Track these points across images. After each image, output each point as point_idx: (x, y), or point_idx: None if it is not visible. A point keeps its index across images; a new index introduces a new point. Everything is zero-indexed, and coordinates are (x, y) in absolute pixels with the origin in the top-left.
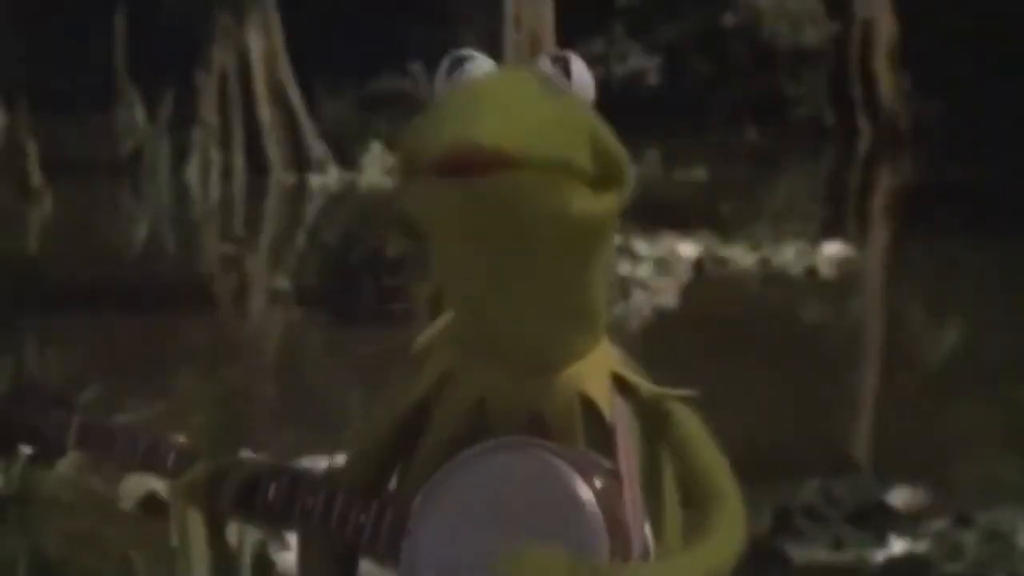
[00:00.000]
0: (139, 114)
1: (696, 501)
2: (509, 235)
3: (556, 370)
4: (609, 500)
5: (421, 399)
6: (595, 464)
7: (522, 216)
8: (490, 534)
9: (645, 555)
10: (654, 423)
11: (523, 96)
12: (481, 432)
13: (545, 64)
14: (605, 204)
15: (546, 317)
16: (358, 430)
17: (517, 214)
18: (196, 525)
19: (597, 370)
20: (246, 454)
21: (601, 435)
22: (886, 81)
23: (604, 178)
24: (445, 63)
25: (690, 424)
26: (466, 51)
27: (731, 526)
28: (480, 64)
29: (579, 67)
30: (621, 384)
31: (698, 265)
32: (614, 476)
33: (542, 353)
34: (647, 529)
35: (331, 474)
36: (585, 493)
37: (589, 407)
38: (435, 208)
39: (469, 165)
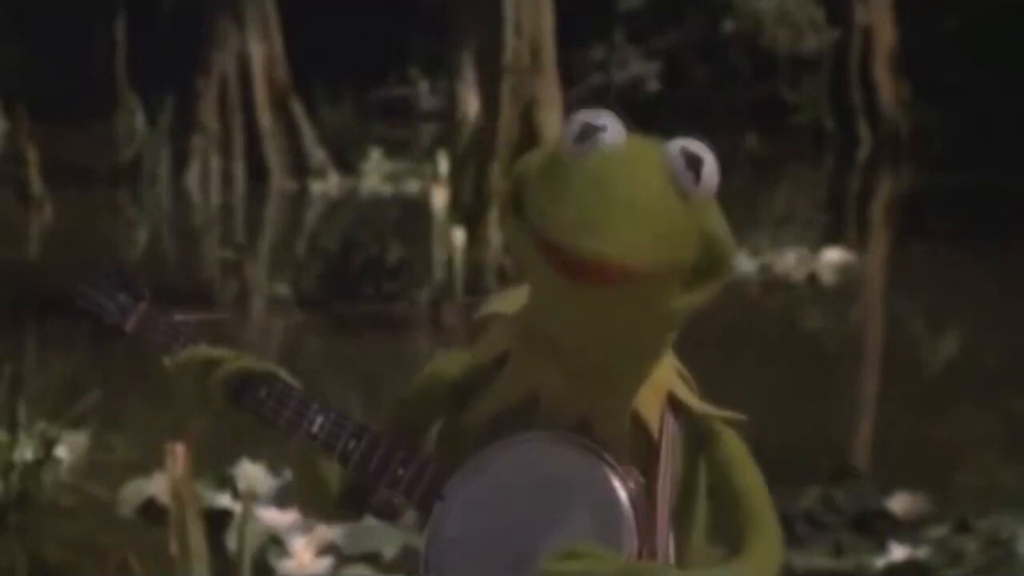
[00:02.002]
0: (139, 121)
1: (734, 522)
2: (611, 321)
3: (616, 384)
4: (641, 507)
5: (475, 371)
6: (632, 473)
7: (629, 314)
8: (521, 516)
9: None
10: (700, 441)
11: (650, 203)
12: (529, 420)
13: (675, 155)
14: (703, 295)
15: (619, 356)
16: (411, 382)
17: (625, 312)
18: (196, 532)
19: (653, 390)
20: (246, 461)
21: (645, 453)
22: (886, 88)
23: (708, 270)
24: (575, 128)
25: (734, 446)
26: (599, 118)
27: (770, 551)
28: (612, 133)
29: (709, 170)
30: (674, 402)
31: None
32: (647, 489)
33: (606, 371)
34: (671, 542)
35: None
36: (623, 496)
37: (638, 424)
38: (549, 293)
39: (593, 272)
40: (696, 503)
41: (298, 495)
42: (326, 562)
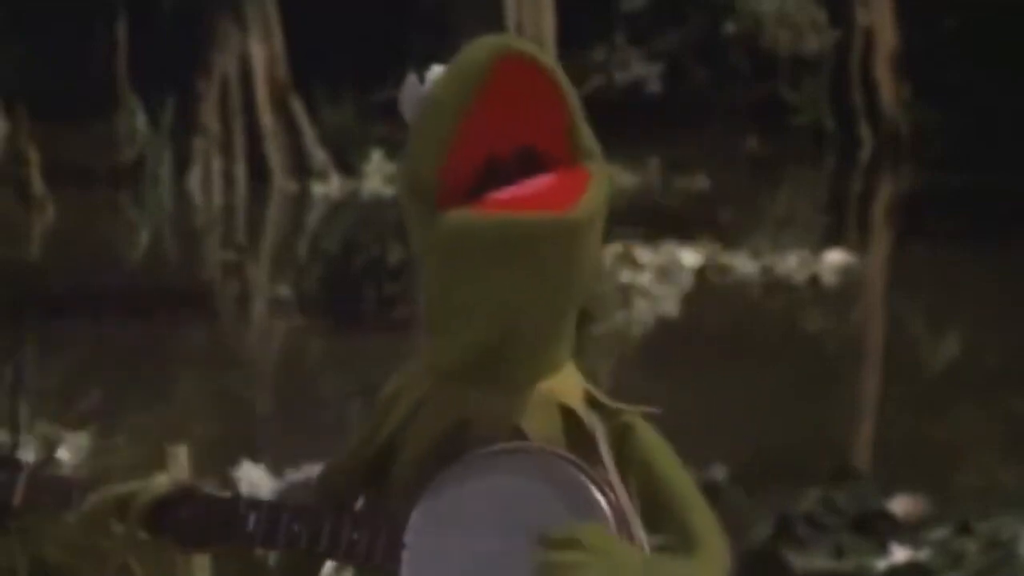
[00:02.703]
0: (141, 122)
1: (664, 512)
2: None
3: (537, 384)
4: (618, 506)
5: (394, 430)
6: (603, 477)
7: (549, 257)
8: (498, 539)
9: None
10: (618, 437)
11: None
12: (461, 449)
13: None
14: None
15: (547, 338)
16: (328, 465)
17: (546, 256)
18: None
19: (571, 383)
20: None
21: (582, 445)
22: (887, 89)
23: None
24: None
25: (651, 437)
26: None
27: (716, 532)
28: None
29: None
30: (590, 399)
31: (700, 273)
32: (612, 487)
33: (529, 370)
34: (643, 536)
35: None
36: (600, 499)
37: (568, 418)
38: (464, 262)
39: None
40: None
41: None
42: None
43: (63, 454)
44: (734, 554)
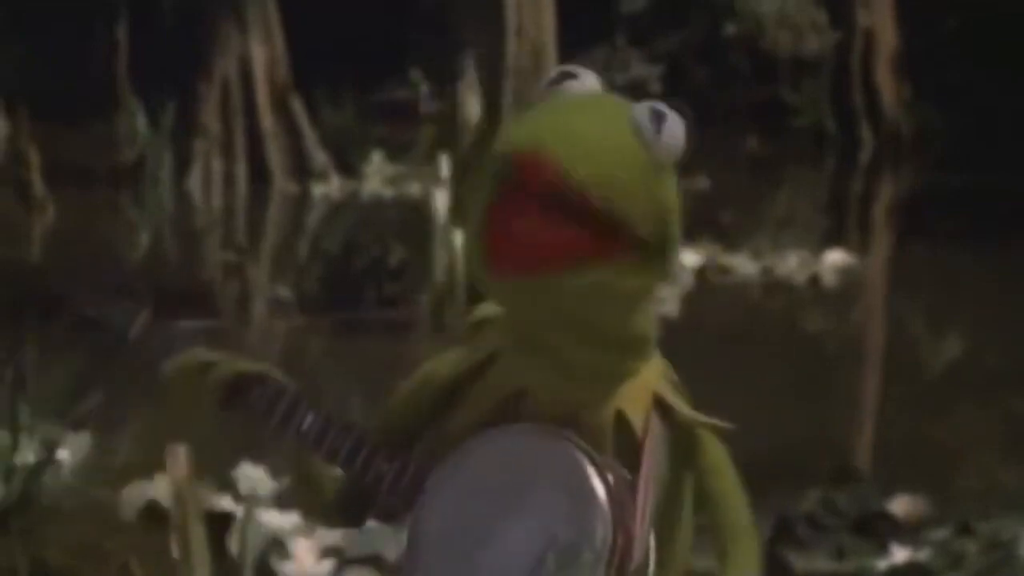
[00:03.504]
0: (141, 123)
1: (714, 528)
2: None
3: (602, 384)
4: (619, 500)
5: (465, 372)
6: (612, 466)
7: (583, 295)
8: (496, 508)
9: (644, 565)
10: (684, 447)
11: (602, 130)
12: (515, 419)
13: (641, 108)
14: (654, 277)
15: (599, 351)
16: (398, 390)
17: (579, 293)
18: (197, 535)
19: (639, 390)
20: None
21: (630, 451)
22: (888, 90)
23: (657, 248)
24: (551, 75)
25: (716, 453)
26: (575, 69)
27: (746, 559)
28: (583, 82)
29: (673, 123)
30: (660, 405)
31: (700, 273)
32: (630, 485)
33: (592, 372)
34: (651, 541)
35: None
36: (598, 486)
37: (623, 423)
38: (505, 295)
39: (530, 172)
40: (680, 509)
41: (297, 496)
42: (328, 565)
43: (63, 454)
44: None
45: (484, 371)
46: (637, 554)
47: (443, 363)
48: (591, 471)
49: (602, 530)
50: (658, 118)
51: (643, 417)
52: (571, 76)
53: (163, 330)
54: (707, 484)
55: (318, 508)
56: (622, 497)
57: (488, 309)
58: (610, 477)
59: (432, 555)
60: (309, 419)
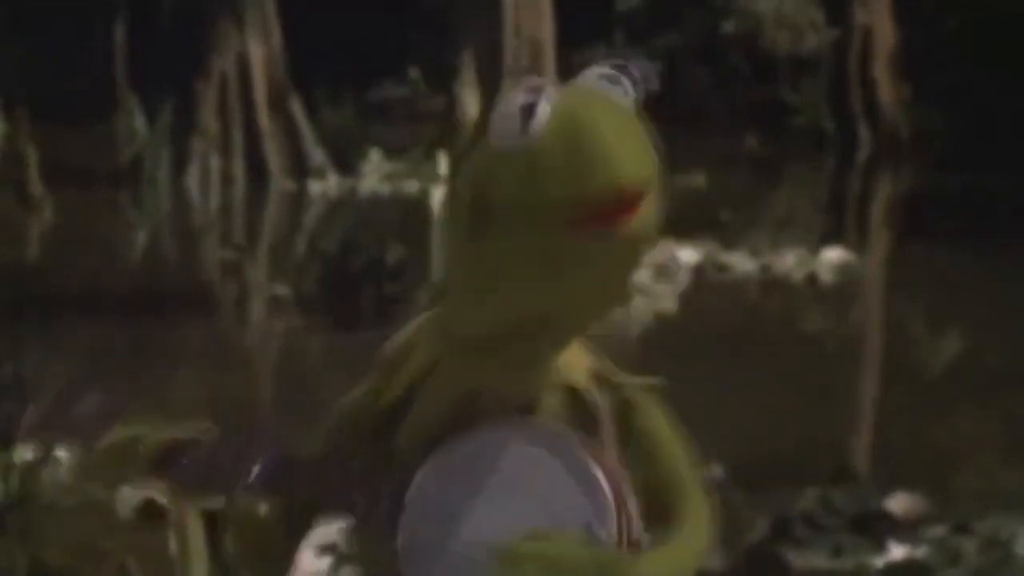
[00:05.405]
0: (139, 122)
1: (659, 490)
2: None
3: (548, 362)
4: (616, 482)
5: (407, 387)
6: (600, 456)
7: (634, 260)
8: (502, 507)
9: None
10: (621, 412)
11: (636, 123)
12: (469, 418)
13: (612, 74)
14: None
15: (582, 330)
16: (333, 413)
17: (633, 259)
18: (195, 532)
19: (578, 359)
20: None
21: (587, 422)
22: (886, 89)
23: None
24: (511, 121)
25: (654, 412)
26: (520, 102)
27: (703, 512)
28: (542, 106)
29: (636, 71)
30: (596, 375)
31: (698, 271)
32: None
33: (550, 353)
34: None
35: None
36: (599, 472)
37: (574, 395)
38: (565, 264)
39: (632, 203)
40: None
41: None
42: (325, 561)
43: (61, 453)
44: (733, 554)
45: (424, 381)
46: (636, 526)
47: (380, 377)
48: (589, 459)
49: (609, 517)
50: (621, 74)
51: (589, 387)
52: (531, 108)
53: (62, 418)
54: (647, 444)
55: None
56: (617, 479)
57: (405, 333)
58: (606, 463)
59: (434, 566)
60: (257, 468)
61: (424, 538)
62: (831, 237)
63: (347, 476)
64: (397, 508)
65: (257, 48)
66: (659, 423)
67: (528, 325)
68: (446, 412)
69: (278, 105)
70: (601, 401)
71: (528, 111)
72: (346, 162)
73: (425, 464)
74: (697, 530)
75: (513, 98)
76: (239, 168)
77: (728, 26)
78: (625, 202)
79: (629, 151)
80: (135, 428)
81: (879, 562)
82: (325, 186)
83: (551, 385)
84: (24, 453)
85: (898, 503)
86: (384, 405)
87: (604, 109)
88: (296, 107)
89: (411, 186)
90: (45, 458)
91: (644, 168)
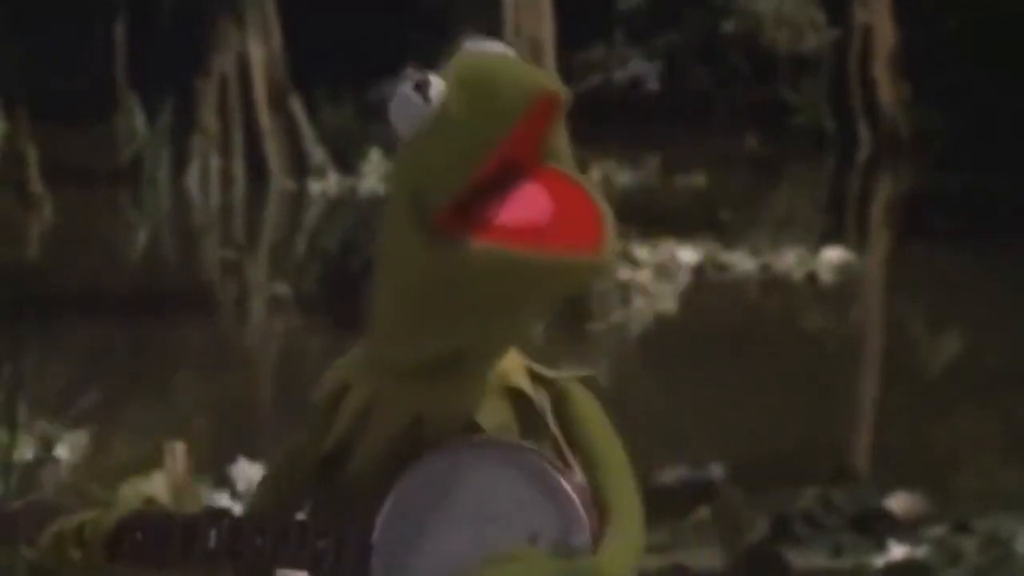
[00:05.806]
0: (139, 121)
1: (593, 478)
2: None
3: (487, 376)
4: (578, 485)
5: (346, 429)
6: (553, 459)
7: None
8: (472, 532)
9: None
10: (556, 406)
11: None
12: (417, 446)
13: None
14: None
15: (517, 341)
16: (271, 473)
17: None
18: None
19: (512, 362)
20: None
21: (534, 425)
22: (886, 88)
23: None
24: (408, 101)
25: (585, 402)
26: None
27: (636, 506)
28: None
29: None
30: (532, 374)
31: (698, 271)
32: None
33: (487, 367)
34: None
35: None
36: (560, 479)
37: (516, 399)
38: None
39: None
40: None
41: None
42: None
43: (61, 452)
44: (733, 553)
45: (364, 421)
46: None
47: (316, 424)
48: (557, 474)
49: (583, 529)
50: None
51: (531, 387)
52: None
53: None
54: (580, 432)
55: None
56: (578, 480)
57: (330, 381)
58: (572, 475)
59: None
60: (214, 534)
61: (408, 568)
62: (831, 237)
63: (307, 527)
64: (365, 551)
65: (257, 48)
66: (591, 413)
67: (460, 350)
68: (392, 445)
69: (278, 105)
70: (541, 400)
71: (422, 86)
72: (346, 162)
73: (386, 501)
74: (636, 523)
75: (402, 87)
76: (239, 168)
77: (728, 26)
78: (544, 110)
79: (531, 70)
80: (71, 520)
81: (879, 561)
82: (325, 185)
83: (492, 396)
84: (24, 452)
85: (898, 503)
86: (328, 447)
87: (491, 54)
88: (296, 107)
89: None
90: (45, 457)
91: (552, 80)
